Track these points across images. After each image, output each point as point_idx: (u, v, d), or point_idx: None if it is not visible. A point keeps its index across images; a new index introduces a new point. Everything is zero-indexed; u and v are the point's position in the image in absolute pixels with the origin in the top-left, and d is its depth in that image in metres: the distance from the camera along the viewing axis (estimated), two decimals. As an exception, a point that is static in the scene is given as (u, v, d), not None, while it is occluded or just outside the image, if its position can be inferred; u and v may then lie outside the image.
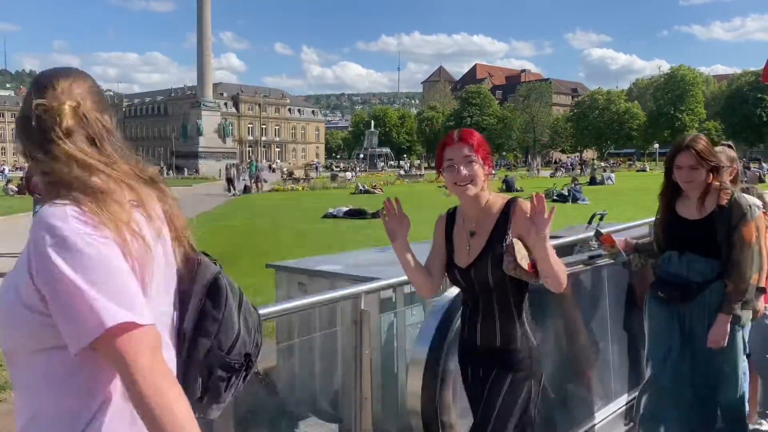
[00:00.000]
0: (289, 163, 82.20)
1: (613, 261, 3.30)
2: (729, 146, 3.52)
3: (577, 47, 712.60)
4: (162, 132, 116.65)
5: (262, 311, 2.38)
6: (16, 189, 29.67)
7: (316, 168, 64.24)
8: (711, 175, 2.85)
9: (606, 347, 3.56)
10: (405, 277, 3.10)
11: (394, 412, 3.11)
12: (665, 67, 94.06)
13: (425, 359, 2.67)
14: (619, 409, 3.65)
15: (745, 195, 3.30)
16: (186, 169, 59.11)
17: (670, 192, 3.03)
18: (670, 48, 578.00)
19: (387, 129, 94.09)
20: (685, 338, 2.96)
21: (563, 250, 4.42)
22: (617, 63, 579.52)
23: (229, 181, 34.36)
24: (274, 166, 74.75)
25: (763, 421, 3.57)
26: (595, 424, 3.42)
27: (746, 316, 2.86)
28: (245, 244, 12.17)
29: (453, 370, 2.63)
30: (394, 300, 3.17)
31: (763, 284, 3.15)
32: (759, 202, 3.20)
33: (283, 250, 11.12)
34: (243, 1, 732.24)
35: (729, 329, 2.80)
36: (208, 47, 65.61)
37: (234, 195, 30.89)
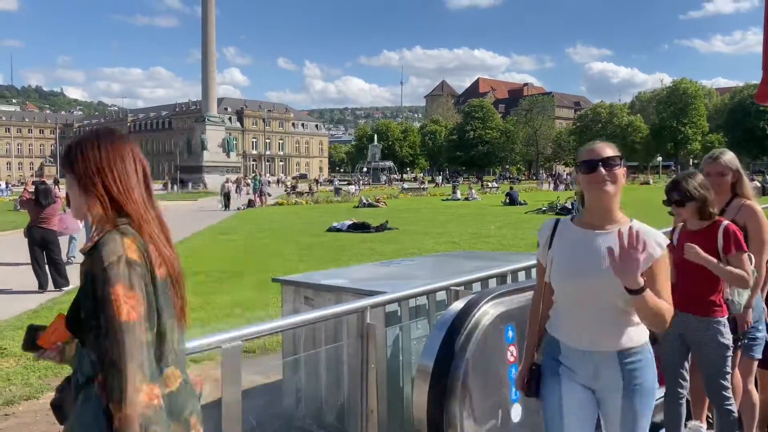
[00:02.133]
0: (293, 178, 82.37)
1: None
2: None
3: (578, 61, 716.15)
4: (166, 146, 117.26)
5: (270, 325, 2.41)
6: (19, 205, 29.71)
7: (314, 183, 64.05)
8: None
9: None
10: (410, 291, 3.14)
11: (400, 425, 3.12)
12: (667, 80, 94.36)
13: (431, 372, 2.69)
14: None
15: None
16: (190, 183, 59.32)
17: None
18: (671, 61, 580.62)
19: (390, 142, 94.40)
20: None
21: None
22: (618, 76, 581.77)
23: (226, 196, 30.03)
24: (281, 179, 74.74)
25: None
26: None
27: None
28: (251, 258, 12.20)
29: (458, 383, 2.65)
30: (399, 314, 3.20)
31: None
32: (662, 238, 2.12)
33: (288, 264, 11.16)
34: (245, 16, 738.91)
35: None
36: (213, 63, 66.04)
37: (228, 210, 28.45)
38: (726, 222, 3.03)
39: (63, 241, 10.30)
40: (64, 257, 10.15)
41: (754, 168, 77.51)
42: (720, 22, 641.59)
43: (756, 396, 3.43)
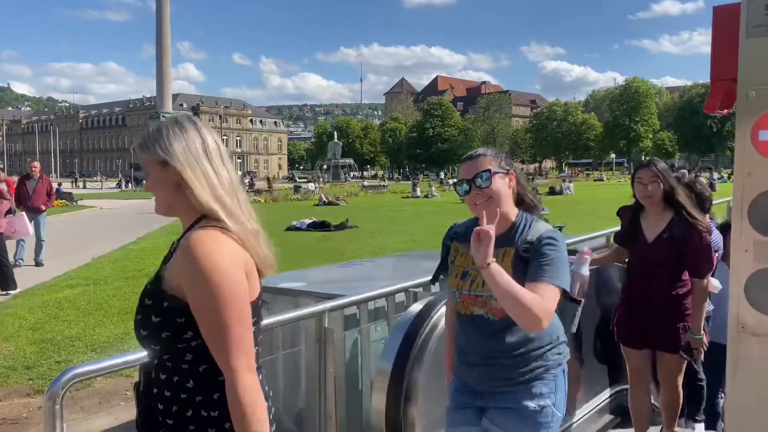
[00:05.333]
0: (244, 174, 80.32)
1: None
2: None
3: (533, 60, 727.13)
4: (120, 144, 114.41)
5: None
6: None
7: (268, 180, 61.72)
8: None
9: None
10: (369, 294, 3.11)
11: (359, 430, 3.10)
12: (620, 79, 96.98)
13: (389, 376, 2.67)
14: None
15: None
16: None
17: None
18: (622, 60, 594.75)
19: (350, 140, 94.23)
20: None
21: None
22: (571, 75, 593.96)
23: None
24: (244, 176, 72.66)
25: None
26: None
27: None
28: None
29: (418, 386, 2.65)
30: (358, 317, 3.17)
31: None
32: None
33: (245, 264, 10.97)
34: (199, 11, 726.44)
35: None
36: (167, 58, 64.39)
37: None
38: None
39: (11, 244, 9.89)
40: (12, 260, 9.76)
41: (703, 165, 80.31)
42: (667, 23, 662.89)
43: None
